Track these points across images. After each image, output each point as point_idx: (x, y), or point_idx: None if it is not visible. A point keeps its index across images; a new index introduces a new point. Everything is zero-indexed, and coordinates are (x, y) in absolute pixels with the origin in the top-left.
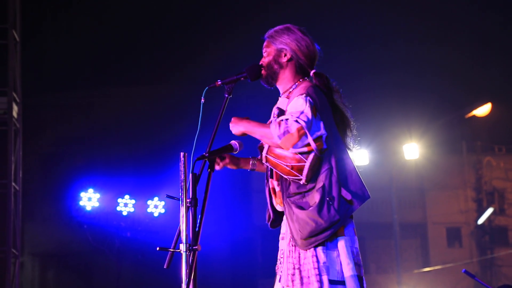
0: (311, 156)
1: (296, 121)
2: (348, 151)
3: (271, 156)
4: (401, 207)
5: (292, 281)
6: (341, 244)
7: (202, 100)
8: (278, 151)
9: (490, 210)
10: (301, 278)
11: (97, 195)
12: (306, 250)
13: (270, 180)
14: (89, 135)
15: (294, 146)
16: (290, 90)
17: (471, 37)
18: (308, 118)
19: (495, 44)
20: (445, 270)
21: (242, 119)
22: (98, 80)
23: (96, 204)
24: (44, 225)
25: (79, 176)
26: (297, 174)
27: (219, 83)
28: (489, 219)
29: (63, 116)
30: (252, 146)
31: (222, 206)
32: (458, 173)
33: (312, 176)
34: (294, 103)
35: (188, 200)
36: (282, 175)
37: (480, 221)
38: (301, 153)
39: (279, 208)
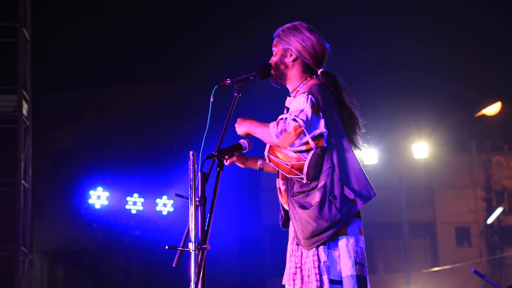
0: (311, 154)
1: (294, 119)
2: (355, 150)
3: (272, 155)
4: (410, 206)
5: (293, 280)
6: (342, 243)
7: (211, 99)
8: (278, 150)
9: (499, 210)
10: (302, 277)
11: (106, 193)
12: (309, 250)
13: (276, 179)
14: (99, 134)
15: (291, 144)
16: (298, 89)
17: (481, 36)
18: (307, 117)
19: (505, 43)
20: (454, 269)
21: (246, 120)
22: (107, 78)
23: (105, 202)
24: (53, 223)
25: (88, 174)
26: (298, 173)
27: (228, 82)
28: (498, 218)
29: (72, 114)
30: (263, 145)
31: (231, 205)
32: (468, 172)
33: (314, 175)
34: (296, 102)
35: (197, 199)
36: (285, 174)
37: (490, 220)
38: (300, 152)
39: (286, 207)
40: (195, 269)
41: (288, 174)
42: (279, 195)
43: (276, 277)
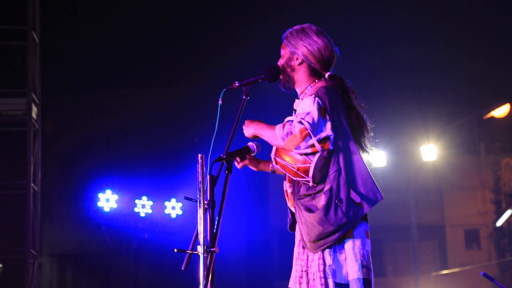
0: (317, 157)
1: (300, 122)
2: (363, 153)
3: (279, 158)
4: (419, 209)
5: (300, 283)
6: (348, 246)
7: (220, 102)
8: (285, 152)
9: (508, 212)
10: (308, 281)
11: (115, 196)
12: (315, 253)
13: (284, 182)
14: (107, 136)
15: (297, 147)
16: (306, 91)
17: (490, 38)
18: (313, 119)
19: None
20: (464, 272)
21: (253, 122)
22: (116, 81)
23: (114, 205)
24: (63, 226)
25: (97, 177)
26: (304, 176)
27: (237, 84)
28: (507, 221)
29: (81, 117)
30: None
31: (239, 208)
32: (476, 175)
33: (321, 178)
34: (303, 104)
35: (205, 202)
36: (291, 176)
37: (499, 223)
38: (306, 154)
39: (293, 209)
40: (203, 272)
41: (294, 177)
42: (286, 198)
43: (284, 280)
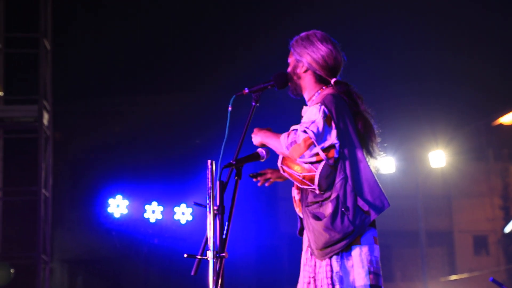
0: (321, 165)
1: (305, 131)
2: (370, 159)
3: (285, 166)
4: (427, 215)
5: None
6: (356, 252)
7: (230, 108)
8: (291, 160)
9: None
10: (315, 287)
11: (126, 202)
12: (322, 260)
13: (292, 188)
14: (118, 142)
15: (301, 156)
16: (313, 98)
17: (499, 44)
18: (318, 128)
19: None
20: (472, 278)
21: (261, 130)
22: (127, 87)
23: (125, 211)
24: (73, 231)
25: (108, 183)
26: (310, 184)
27: (247, 91)
28: None
29: (92, 123)
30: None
31: (249, 214)
32: (485, 181)
33: (327, 186)
34: (309, 113)
35: (215, 208)
36: (298, 184)
37: (507, 229)
38: (311, 163)
39: (301, 215)
40: (213, 278)
41: (301, 185)
42: (294, 204)
43: (294, 286)
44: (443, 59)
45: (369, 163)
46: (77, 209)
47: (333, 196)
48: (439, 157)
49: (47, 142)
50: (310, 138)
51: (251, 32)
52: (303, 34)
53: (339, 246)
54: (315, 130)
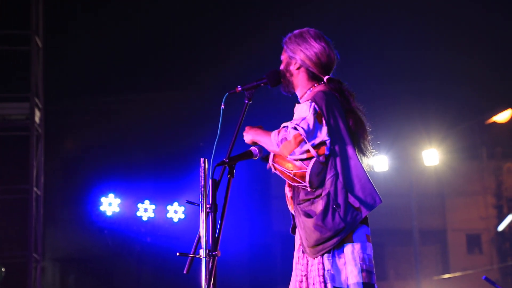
0: (312, 162)
1: (295, 128)
2: (362, 156)
3: (276, 164)
4: (421, 213)
5: None
6: (348, 250)
7: (222, 106)
8: (282, 158)
9: (510, 217)
10: (308, 286)
11: (118, 200)
12: (314, 258)
13: (285, 186)
14: (110, 141)
15: (292, 153)
16: (305, 95)
17: (492, 43)
18: (308, 125)
19: None
20: (465, 277)
21: (252, 128)
22: (119, 86)
23: (117, 209)
24: (65, 230)
25: (100, 181)
26: (301, 181)
27: (239, 89)
28: (509, 225)
29: (84, 121)
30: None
31: (242, 212)
32: (478, 179)
33: (318, 183)
34: (299, 110)
35: (208, 206)
36: (289, 182)
37: (501, 227)
38: (302, 160)
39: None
40: (206, 276)
41: (292, 182)
42: (287, 202)
43: (287, 284)
44: (437, 58)
45: (360, 160)
46: (69, 207)
47: (324, 193)
48: (432, 156)
49: (39, 140)
50: (301, 135)
51: (244, 31)
52: (296, 31)
53: (330, 243)
54: (305, 127)
